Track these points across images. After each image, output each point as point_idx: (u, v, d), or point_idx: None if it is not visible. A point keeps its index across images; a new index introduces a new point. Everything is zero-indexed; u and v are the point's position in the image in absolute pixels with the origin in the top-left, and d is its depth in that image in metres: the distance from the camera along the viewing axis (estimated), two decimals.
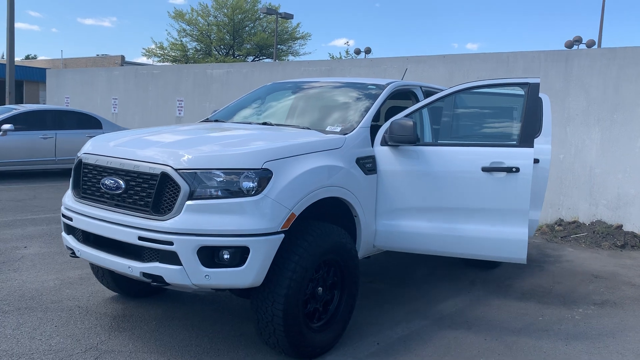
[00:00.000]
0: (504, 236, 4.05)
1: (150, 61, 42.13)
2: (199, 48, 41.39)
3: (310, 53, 47.99)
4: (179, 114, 14.61)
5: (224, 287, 3.31)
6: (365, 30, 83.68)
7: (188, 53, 40.75)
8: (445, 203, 4.12)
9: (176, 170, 3.21)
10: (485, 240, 4.10)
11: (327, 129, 4.21)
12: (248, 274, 3.19)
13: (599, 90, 8.44)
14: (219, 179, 3.22)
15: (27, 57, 70.38)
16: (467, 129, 4.98)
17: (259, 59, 40.33)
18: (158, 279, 3.23)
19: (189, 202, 3.17)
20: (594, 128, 8.50)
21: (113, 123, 12.96)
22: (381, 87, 4.68)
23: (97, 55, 48.77)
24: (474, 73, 9.57)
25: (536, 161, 5.06)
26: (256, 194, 3.23)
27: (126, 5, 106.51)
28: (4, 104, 16.73)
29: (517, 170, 3.95)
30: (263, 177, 3.27)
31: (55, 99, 18.63)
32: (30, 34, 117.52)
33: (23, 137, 11.00)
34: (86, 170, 3.67)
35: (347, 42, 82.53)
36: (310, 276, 3.48)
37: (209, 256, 3.18)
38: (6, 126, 10.70)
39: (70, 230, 3.76)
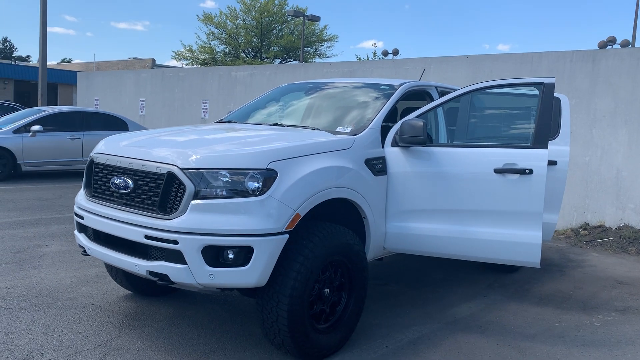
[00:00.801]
0: (517, 239, 3.97)
1: (179, 64, 42.82)
2: (227, 51, 41.83)
3: (337, 55, 48.13)
4: (204, 115, 14.77)
5: (229, 287, 3.32)
6: (394, 32, 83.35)
7: (217, 56, 41.22)
8: (456, 205, 4.05)
9: (182, 170, 3.24)
10: (498, 243, 4.02)
11: (337, 130, 4.19)
12: (252, 274, 3.20)
13: (626, 91, 8.21)
14: (224, 179, 3.24)
15: (63, 61, 72.30)
16: (482, 130, 4.90)
17: (286, 62, 40.52)
18: (164, 277, 3.27)
19: (194, 202, 3.20)
20: (621, 130, 8.27)
21: (139, 124, 13.19)
22: (394, 88, 4.63)
23: (129, 58, 49.81)
24: (497, 73, 9.42)
25: (554, 163, 4.95)
26: (261, 194, 3.23)
27: (158, 9, 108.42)
28: (38, 106, 17.16)
29: (531, 172, 3.86)
30: (268, 177, 3.27)
31: (85, 101, 19.05)
32: (66, 38, 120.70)
33: (51, 138, 11.29)
34: (97, 170, 3.73)
35: (375, 43, 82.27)
36: (315, 277, 3.46)
37: (214, 255, 3.19)
38: (35, 127, 10.99)
39: (82, 228, 3.83)
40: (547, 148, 3.88)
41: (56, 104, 37.60)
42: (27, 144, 10.97)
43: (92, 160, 3.81)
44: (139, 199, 3.41)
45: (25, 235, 6.56)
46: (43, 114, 11.53)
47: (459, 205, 4.04)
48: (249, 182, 3.23)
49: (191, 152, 3.34)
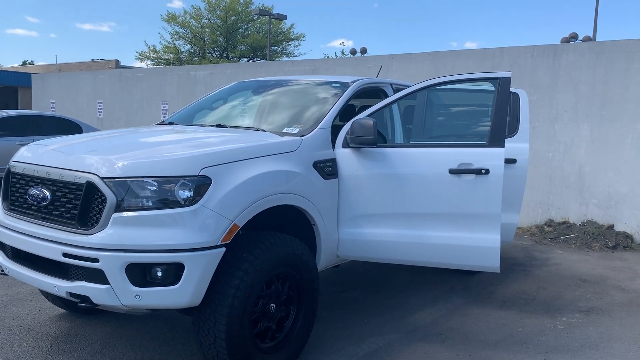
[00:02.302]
0: (474, 243, 3.75)
1: (143, 65, 41.88)
2: (192, 51, 41.11)
3: (304, 54, 47.55)
4: (163, 117, 14.30)
5: (158, 308, 3.01)
6: (364, 31, 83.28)
7: (182, 56, 40.47)
8: (411, 208, 3.81)
9: (102, 179, 2.91)
10: (455, 247, 3.80)
11: (284, 131, 3.91)
12: (183, 293, 2.89)
13: (587, 86, 8.14)
14: (150, 188, 2.92)
15: (24, 63, 70.21)
16: (440, 128, 4.69)
17: (254, 61, 40.02)
18: (85, 299, 2.93)
19: (116, 215, 2.87)
20: (583, 125, 8.20)
21: (95, 128, 12.66)
22: (346, 85, 4.37)
23: (92, 60, 48.57)
24: (459, 70, 9.26)
25: (513, 161, 4.77)
26: (192, 204, 2.92)
27: (125, 9, 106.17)
28: None
29: (487, 172, 3.65)
30: (200, 184, 2.96)
31: (41, 104, 18.32)
32: (28, 40, 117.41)
33: None
34: (14, 180, 3.37)
35: (343, 42, 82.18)
36: (258, 293, 3.17)
37: (140, 274, 2.87)
38: None
39: (1, 246, 3.46)
40: (503, 146, 3.67)
41: (16, 108, 36.37)
42: None
43: (9, 170, 3.44)
44: (57, 212, 3.06)
45: None
46: None
47: (414, 208, 3.80)
48: (178, 190, 2.92)
49: (113, 159, 3.00)
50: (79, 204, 2.96)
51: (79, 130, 11.71)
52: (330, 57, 37.66)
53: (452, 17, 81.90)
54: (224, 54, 40.25)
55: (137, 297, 2.86)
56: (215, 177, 3.02)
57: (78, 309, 4.17)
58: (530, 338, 4.21)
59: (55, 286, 3.00)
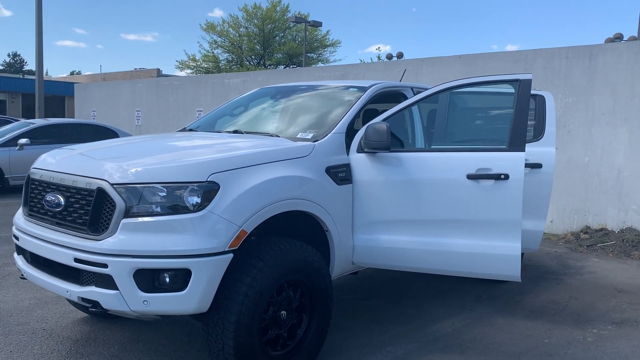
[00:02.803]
0: (494, 251, 3.62)
1: (183, 74, 42.74)
2: (230, 59, 41.74)
3: (340, 60, 47.53)
4: None
5: (166, 314, 3.01)
6: (402, 35, 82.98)
7: (220, 64, 41.13)
8: (427, 215, 3.72)
9: (112, 185, 2.95)
10: (473, 255, 3.68)
11: (298, 136, 3.88)
12: (190, 299, 2.89)
13: (626, 87, 7.82)
14: (159, 194, 2.93)
15: (72, 73, 72.88)
16: (462, 132, 4.57)
17: (291, 68, 40.31)
18: (95, 304, 2.97)
19: (125, 220, 2.90)
20: (621, 128, 7.88)
21: (131, 135, 12.97)
22: (363, 90, 4.32)
23: (135, 69, 49.96)
24: (491, 72, 9.06)
25: (539, 165, 4.60)
26: (200, 209, 2.92)
27: (168, 20, 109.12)
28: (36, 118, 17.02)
29: (506, 177, 3.52)
30: (208, 190, 2.96)
31: (83, 112, 18.92)
32: (76, 51, 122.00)
33: (39, 150, 10.98)
34: (33, 187, 3.46)
35: (379, 47, 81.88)
36: (267, 299, 3.15)
37: (148, 280, 2.89)
38: (22, 140, 10.79)
39: (20, 250, 3.55)
40: (524, 150, 3.54)
41: (63, 116, 37.71)
42: (15, 158, 10.77)
43: (28, 176, 3.53)
44: (70, 218, 3.12)
45: None
46: (31, 126, 11.35)
47: (430, 215, 3.71)
48: (187, 196, 2.93)
49: (124, 165, 3.04)
50: (90, 209, 3.00)
51: (115, 136, 12.00)
52: (365, 62, 37.61)
53: (493, 19, 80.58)
54: (261, 62, 40.71)
55: (145, 302, 2.88)
56: (224, 183, 3.02)
57: (99, 313, 4.23)
58: (556, 350, 4.04)
59: (68, 291, 3.06)
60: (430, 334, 4.29)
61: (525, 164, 4.63)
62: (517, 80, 3.69)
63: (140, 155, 3.32)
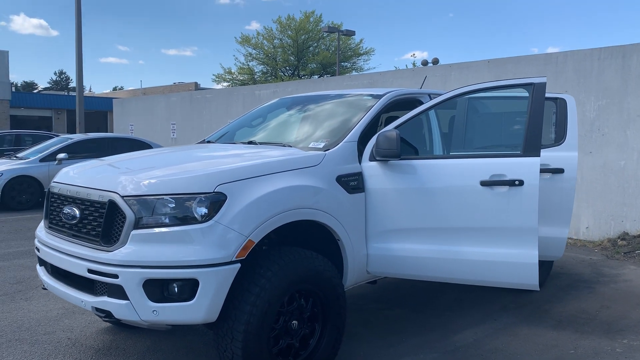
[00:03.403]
0: (510, 259, 3.53)
1: (220, 87, 43.53)
2: (265, 71, 42.27)
3: (374, 68, 47.54)
4: None
5: (175, 324, 3.05)
6: (439, 42, 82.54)
7: (255, 76, 41.70)
8: (441, 223, 3.66)
9: (123, 197, 3.02)
10: (489, 264, 3.60)
11: (310, 145, 3.89)
12: (199, 309, 2.92)
13: None
14: (167, 205, 2.99)
15: (115, 89, 75.28)
16: (481, 138, 4.49)
17: (319, 78, 40.55)
18: (108, 314, 3.04)
19: (135, 232, 2.97)
20: None
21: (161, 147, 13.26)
22: (377, 97, 4.30)
23: (174, 83, 51.19)
24: (520, 76, 8.87)
25: (561, 171, 4.48)
26: (206, 220, 2.96)
27: (207, 34, 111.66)
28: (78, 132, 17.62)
29: (521, 183, 3.44)
30: (215, 201, 3.00)
31: (121, 126, 19.48)
32: (119, 67, 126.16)
33: None
34: (52, 200, 3.58)
35: (414, 54, 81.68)
36: (277, 309, 3.15)
37: (158, 290, 2.94)
38: (61, 155, 11.17)
39: (42, 262, 3.67)
40: (539, 156, 3.45)
41: (106, 131, 38.91)
42: (54, 172, 11.09)
43: (49, 190, 3.66)
44: (85, 230, 3.22)
45: (31, 265, 6.53)
46: (69, 141, 11.76)
47: (444, 223, 3.65)
48: (194, 207, 2.97)
49: (134, 178, 3.12)
50: (102, 221, 3.09)
51: None
52: (398, 69, 37.39)
53: (533, 22, 79.06)
54: (295, 73, 41.07)
55: (155, 312, 2.93)
56: (231, 193, 3.05)
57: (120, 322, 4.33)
58: None
59: (82, 301, 3.14)
60: (450, 345, 4.20)
61: (547, 169, 4.54)
62: (531, 84, 3.61)
63: (151, 167, 3.39)
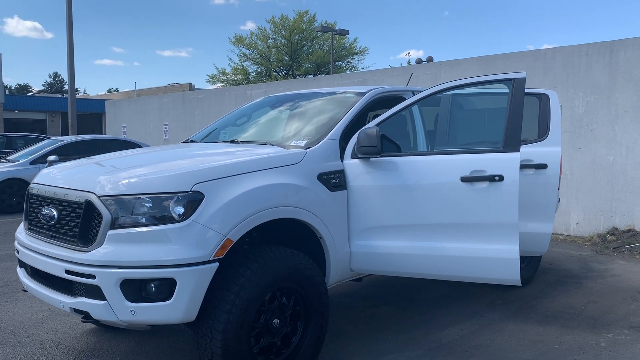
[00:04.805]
0: (492, 255, 3.53)
1: (214, 87, 43.43)
2: (259, 71, 42.20)
3: (368, 67, 47.40)
4: None
5: (153, 323, 3.04)
6: (435, 40, 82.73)
7: (250, 76, 41.62)
8: (422, 219, 3.66)
9: (99, 197, 3.01)
10: (472, 260, 3.59)
11: (292, 144, 3.88)
12: (177, 309, 2.91)
13: None
14: (144, 205, 2.98)
15: (109, 91, 75.03)
16: (463, 134, 4.49)
17: (311, 77, 40.51)
18: (86, 314, 3.02)
19: (111, 232, 2.95)
20: None
21: None
22: (360, 95, 4.30)
23: (168, 84, 51.05)
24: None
25: (544, 166, 4.48)
26: (183, 219, 2.95)
27: (201, 35, 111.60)
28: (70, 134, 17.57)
29: (501, 178, 3.44)
30: (192, 200, 2.99)
31: (114, 128, 19.43)
32: (114, 69, 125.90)
33: None
34: (31, 201, 3.56)
35: (409, 53, 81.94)
36: (257, 308, 3.14)
37: (135, 290, 2.93)
38: (51, 157, 11.08)
39: (22, 264, 3.65)
40: (519, 151, 3.45)
41: (101, 133, 38.81)
42: None
43: (27, 191, 3.64)
44: (62, 231, 3.20)
45: (14, 267, 6.50)
46: (59, 143, 11.72)
47: (426, 219, 3.65)
48: (171, 207, 2.96)
49: (111, 178, 3.11)
50: (79, 222, 3.07)
51: None
52: (390, 68, 37.32)
53: (529, 19, 79.26)
54: (290, 72, 41.02)
55: (133, 312, 2.91)
56: (208, 192, 3.04)
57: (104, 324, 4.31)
58: (565, 356, 3.90)
59: (60, 302, 3.12)
60: (435, 341, 4.20)
61: (530, 164, 4.55)
62: (511, 79, 3.61)
63: (129, 167, 3.38)
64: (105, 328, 4.40)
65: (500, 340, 4.21)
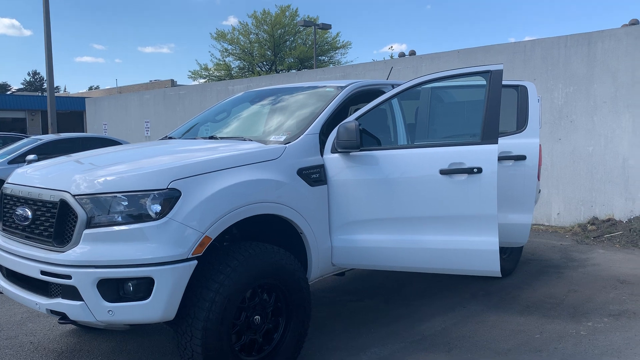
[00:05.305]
0: (471, 247, 3.55)
1: (196, 84, 43.09)
2: (242, 66, 41.95)
3: (352, 61, 47.34)
4: None
5: (132, 323, 3.00)
6: (417, 33, 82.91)
7: (232, 72, 41.35)
8: (403, 213, 3.66)
9: (74, 196, 2.96)
10: (452, 252, 3.61)
11: (271, 139, 3.86)
12: (155, 308, 2.88)
13: (626, 74, 7.65)
14: (120, 203, 2.93)
15: (90, 88, 74.08)
16: (443, 128, 4.50)
17: (294, 72, 40.36)
18: (63, 315, 2.98)
19: (87, 231, 2.91)
20: (624, 115, 7.70)
21: None
22: (339, 89, 4.28)
23: (150, 81, 50.52)
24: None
25: (523, 158, 4.51)
26: (160, 217, 2.91)
27: (183, 31, 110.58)
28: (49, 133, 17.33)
29: (479, 170, 3.45)
30: (169, 198, 2.95)
31: (95, 126, 19.20)
32: (95, 66, 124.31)
33: None
34: (5, 201, 3.49)
35: (391, 47, 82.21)
36: (238, 305, 3.12)
37: (113, 289, 2.89)
38: (30, 157, 10.92)
39: None
40: (497, 143, 3.46)
41: (83, 131, 38.31)
42: None
43: (1, 192, 3.57)
44: (37, 231, 3.14)
45: None
46: (38, 142, 11.54)
47: (405, 212, 3.65)
48: (147, 204, 2.92)
49: (86, 176, 3.06)
50: (54, 221, 3.02)
51: None
52: (372, 62, 37.30)
53: (511, 12, 79.76)
54: (273, 67, 40.84)
55: (110, 312, 2.88)
56: (185, 189, 3.00)
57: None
58: (546, 346, 3.94)
59: (37, 303, 3.07)
60: (418, 333, 4.22)
61: (509, 156, 4.58)
62: (488, 71, 3.62)
63: (105, 165, 3.33)
64: (86, 329, 4.35)
65: (482, 332, 4.24)
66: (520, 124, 4.68)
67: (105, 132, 18.17)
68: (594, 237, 7.46)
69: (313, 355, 3.80)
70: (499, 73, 3.58)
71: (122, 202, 2.93)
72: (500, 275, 3.66)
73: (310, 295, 3.61)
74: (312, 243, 3.66)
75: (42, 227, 3.12)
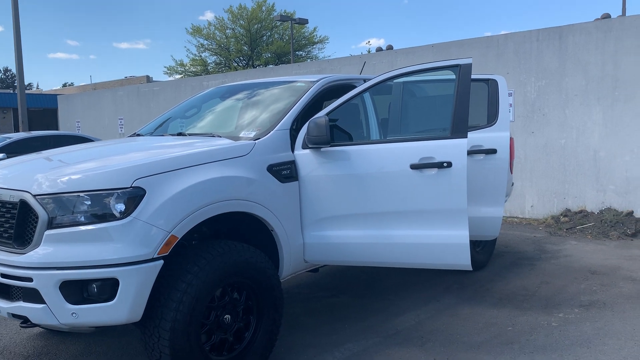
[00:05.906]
0: (442, 241, 3.55)
1: (171, 79, 42.59)
2: (219, 62, 41.59)
3: (329, 56, 47.21)
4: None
5: (97, 325, 2.93)
6: (394, 28, 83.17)
7: (209, 67, 40.97)
8: (374, 208, 3.64)
9: (34, 196, 2.87)
10: (423, 246, 3.60)
11: (241, 135, 3.80)
12: (121, 309, 2.81)
13: (597, 67, 7.75)
14: (83, 203, 2.86)
15: (64, 85, 72.72)
16: (415, 122, 4.51)
17: (269, 67, 40.16)
18: (25, 319, 2.89)
19: (48, 232, 2.82)
20: (594, 108, 7.80)
21: None
22: (310, 84, 4.24)
23: (125, 77, 49.79)
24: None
25: (493, 151, 4.53)
26: (124, 217, 2.84)
27: (159, 26, 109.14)
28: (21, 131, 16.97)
29: (449, 165, 3.45)
30: (133, 196, 2.88)
31: (67, 124, 18.83)
32: (69, 63, 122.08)
33: None
34: None
35: (369, 42, 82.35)
36: (206, 304, 3.07)
37: (76, 291, 2.81)
38: None
39: None
40: (466, 137, 3.46)
41: (56, 129, 37.60)
42: None
43: None
44: None
45: None
46: (7, 141, 11.27)
47: (377, 207, 3.63)
48: (111, 204, 2.85)
49: (47, 176, 2.97)
50: (14, 223, 2.93)
51: None
52: (348, 57, 37.26)
53: (487, 6, 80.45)
54: (250, 63, 40.57)
55: (74, 315, 2.80)
56: (150, 187, 2.94)
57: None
58: (518, 338, 3.97)
59: None
60: (392, 328, 4.21)
61: (480, 150, 4.59)
62: (457, 65, 3.61)
63: (69, 163, 3.25)
64: (52, 331, 4.25)
65: (456, 325, 4.25)
66: (491, 117, 4.70)
67: (78, 129, 17.84)
68: (566, 229, 7.56)
69: (286, 353, 3.77)
70: (468, 67, 3.58)
71: (85, 202, 2.85)
72: (471, 269, 3.67)
73: (283, 293, 3.57)
74: (284, 240, 3.62)
75: (1, 229, 3.03)
